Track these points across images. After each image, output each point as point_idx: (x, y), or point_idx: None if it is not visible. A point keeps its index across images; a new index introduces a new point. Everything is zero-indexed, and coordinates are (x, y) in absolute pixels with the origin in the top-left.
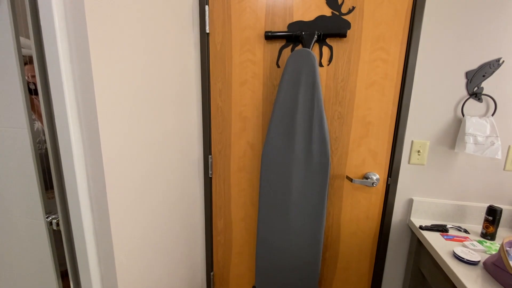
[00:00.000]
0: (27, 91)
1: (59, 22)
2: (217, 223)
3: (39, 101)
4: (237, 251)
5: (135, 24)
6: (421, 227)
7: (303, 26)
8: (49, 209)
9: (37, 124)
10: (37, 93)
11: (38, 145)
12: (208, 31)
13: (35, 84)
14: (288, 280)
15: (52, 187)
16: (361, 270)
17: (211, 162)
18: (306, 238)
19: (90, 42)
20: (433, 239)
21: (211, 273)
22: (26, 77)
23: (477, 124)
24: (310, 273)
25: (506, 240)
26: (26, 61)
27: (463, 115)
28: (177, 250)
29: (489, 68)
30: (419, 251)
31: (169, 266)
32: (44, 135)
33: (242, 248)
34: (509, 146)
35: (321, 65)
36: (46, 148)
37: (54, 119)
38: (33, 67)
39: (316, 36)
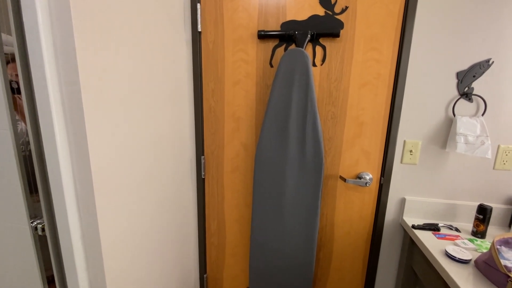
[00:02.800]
0: (10, 91)
1: (43, 17)
2: (211, 225)
3: (22, 100)
4: (231, 253)
5: (124, 22)
6: (413, 226)
7: (296, 26)
8: (34, 214)
9: (21, 125)
10: (20, 92)
11: (21, 146)
12: (200, 30)
13: (17, 83)
14: (282, 280)
15: (37, 191)
16: (354, 269)
17: (204, 163)
18: (300, 238)
19: (76, 39)
20: (425, 238)
21: (205, 275)
22: (8, 76)
23: (467, 124)
24: (304, 274)
25: (497, 239)
26: (8, 59)
27: (454, 115)
28: (169, 252)
29: (479, 68)
30: (411, 250)
31: (161, 269)
32: (28, 136)
33: (236, 249)
34: (499, 146)
35: (314, 65)
36: (30, 150)
37: (38, 119)
38: (16, 65)
39: (309, 35)
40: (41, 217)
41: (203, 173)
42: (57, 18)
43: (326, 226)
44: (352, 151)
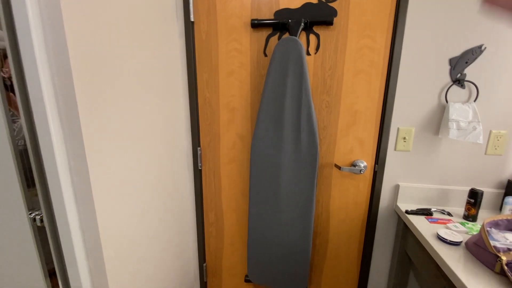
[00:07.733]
0: (3, 88)
1: (32, 8)
2: (209, 215)
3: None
4: (229, 242)
5: (114, 12)
6: (407, 212)
7: (289, 14)
8: (32, 206)
9: (19, 121)
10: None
11: (18, 141)
12: (192, 20)
13: (11, 80)
14: (280, 268)
15: (34, 184)
16: (350, 255)
17: (200, 154)
18: (297, 227)
19: (66, 30)
20: (418, 222)
21: (204, 264)
22: (1, 73)
23: (460, 110)
24: (300, 261)
25: (487, 221)
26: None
27: (447, 102)
28: (169, 242)
29: (472, 54)
30: (405, 235)
31: (161, 258)
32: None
33: (234, 239)
34: (490, 131)
35: (308, 53)
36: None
37: (32, 113)
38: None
39: (302, 23)
40: (39, 209)
41: (199, 164)
42: (46, 8)
43: (322, 214)
44: (347, 139)
